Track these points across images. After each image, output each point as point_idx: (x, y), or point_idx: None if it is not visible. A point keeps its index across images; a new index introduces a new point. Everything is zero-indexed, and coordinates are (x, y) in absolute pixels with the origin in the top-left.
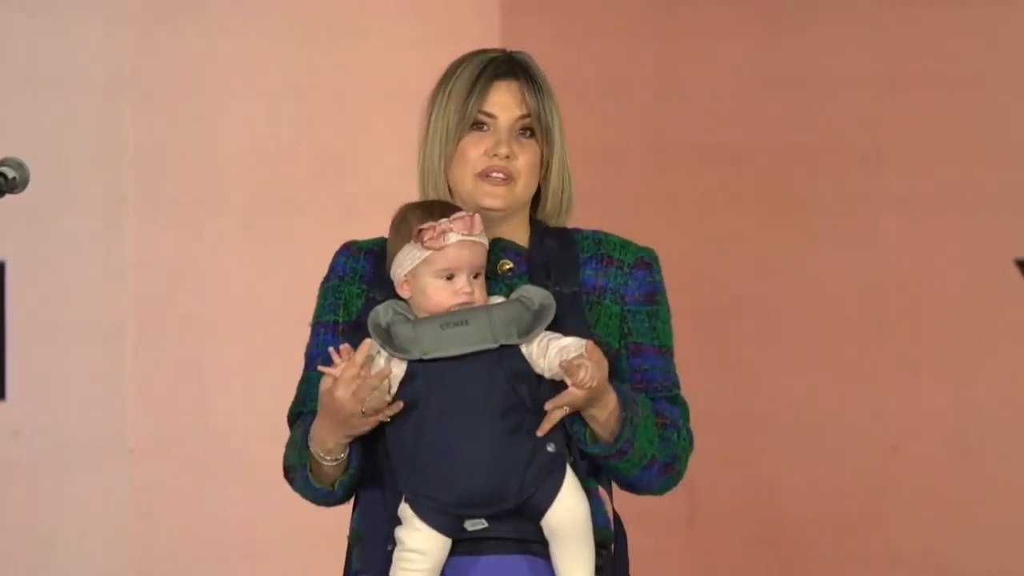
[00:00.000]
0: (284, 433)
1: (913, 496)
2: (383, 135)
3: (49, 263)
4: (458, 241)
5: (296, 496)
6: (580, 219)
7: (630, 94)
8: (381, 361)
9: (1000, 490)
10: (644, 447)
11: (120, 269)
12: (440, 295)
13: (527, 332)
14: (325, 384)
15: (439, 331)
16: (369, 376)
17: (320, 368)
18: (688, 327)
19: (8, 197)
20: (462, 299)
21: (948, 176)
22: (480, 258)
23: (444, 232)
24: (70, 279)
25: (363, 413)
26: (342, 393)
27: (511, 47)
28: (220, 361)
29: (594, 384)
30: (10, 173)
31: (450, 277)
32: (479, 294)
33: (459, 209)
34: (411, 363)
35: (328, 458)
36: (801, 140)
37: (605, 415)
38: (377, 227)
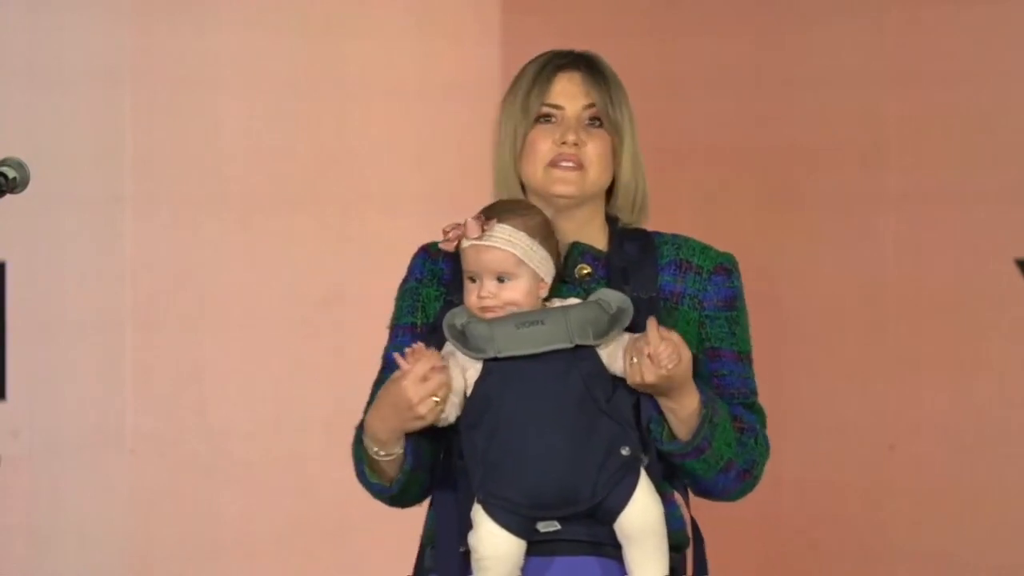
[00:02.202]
0: (282, 431)
1: (911, 494)
2: (382, 134)
3: (49, 263)
4: (468, 244)
5: (294, 495)
6: None
7: (630, 94)
8: (454, 371)
9: (998, 488)
10: (721, 449)
11: (119, 268)
12: (469, 296)
13: (604, 334)
14: (397, 375)
15: (514, 330)
16: (441, 373)
17: (396, 357)
18: None
19: (8, 197)
20: (485, 303)
21: (948, 175)
22: (497, 263)
23: (456, 234)
24: (69, 279)
25: (416, 414)
26: (407, 383)
27: (511, 47)
28: (219, 360)
29: (673, 341)
30: (10, 173)
31: (473, 279)
32: (511, 297)
33: (517, 210)
34: (486, 362)
35: (381, 452)
36: (801, 140)
37: (686, 411)
38: (376, 226)
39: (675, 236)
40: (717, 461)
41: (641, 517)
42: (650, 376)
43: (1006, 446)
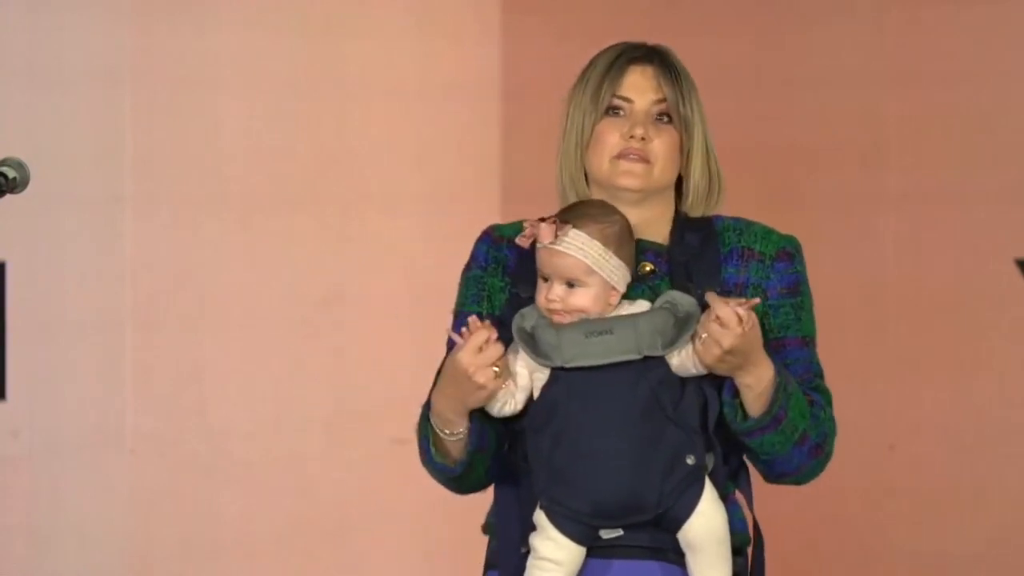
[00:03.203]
0: (282, 430)
1: (911, 494)
2: (382, 134)
3: (49, 263)
4: (541, 246)
5: (294, 494)
6: None
7: None
8: (521, 366)
9: (998, 488)
10: (796, 419)
11: (119, 268)
12: (539, 295)
13: (672, 343)
14: (453, 351)
15: (582, 339)
16: (498, 347)
17: (450, 335)
18: None
19: (8, 197)
20: (552, 306)
21: (948, 175)
22: (567, 270)
23: (532, 233)
24: (69, 279)
25: (476, 384)
26: (463, 355)
27: (511, 47)
28: (219, 360)
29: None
30: (10, 173)
31: (546, 279)
32: (579, 304)
33: (595, 215)
34: (553, 369)
35: (446, 431)
36: (801, 140)
37: (762, 383)
38: (376, 226)
39: (737, 220)
40: (792, 432)
41: (706, 526)
42: (727, 340)
43: (1006, 446)
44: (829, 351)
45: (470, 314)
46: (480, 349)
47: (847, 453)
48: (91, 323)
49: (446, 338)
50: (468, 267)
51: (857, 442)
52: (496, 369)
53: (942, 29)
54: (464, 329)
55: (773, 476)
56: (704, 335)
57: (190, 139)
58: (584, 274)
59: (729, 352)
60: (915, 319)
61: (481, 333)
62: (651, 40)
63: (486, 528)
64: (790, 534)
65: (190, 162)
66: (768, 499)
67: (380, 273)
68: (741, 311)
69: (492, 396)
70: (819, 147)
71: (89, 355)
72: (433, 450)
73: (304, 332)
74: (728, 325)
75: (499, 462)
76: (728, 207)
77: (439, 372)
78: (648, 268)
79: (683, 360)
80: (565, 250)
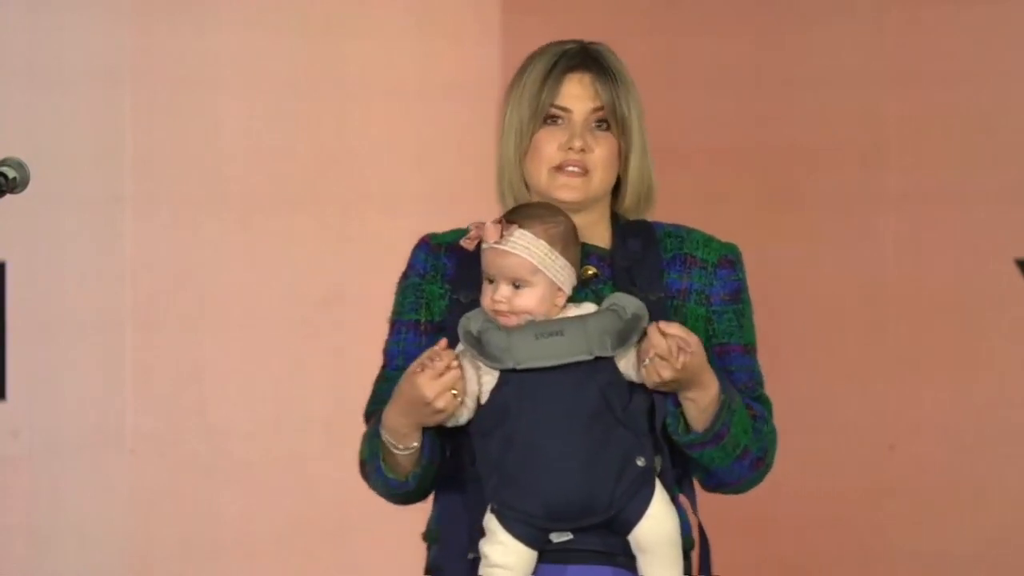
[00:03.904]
0: (282, 431)
1: (911, 494)
2: (382, 134)
3: (49, 263)
4: (487, 247)
5: (294, 494)
6: None
7: None
8: (468, 369)
9: (998, 488)
10: (739, 435)
11: (119, 268)
12: (484, 297)
13: (621, 344)
14: (412, 368)
15: (533, 341)
16: (456, 372)
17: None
18: None
19: (8, 197)
20: (498, 307)
21: (948, 175)
22: (513, 269)
23: (477, 235)
24: (69, 279)
25: (434, 408)
26: (422, 381)
27: (511, 47)
28: (219, 360)
29: (684, 337)
30: (10, 173)
31: (491, 281)
32: (525, 305)
33: (541, 216)
34: (503, 372)
35: (400, 446)
36: (801, 140)
37: (707, 398)
38: (376, 226)
39: (676, 227)
40: (735, 448)
41: (657, 528)
42: (667, 372)
43: (1006, 446)
44: (829, 351)
45: (408, 322)
46: (440, 374)
47: (847, 453)
48: (91, 323)
49: (383, 348)
50: (405, 275)
51: (857, 442)
52: (455, 392)
53: (942, 29)
54: (430, 349)
55: (712, 486)
56: (647, 361)
57: (190, 139)
58: (530, 273)
59: (671, 381)
60: (915, 319)
61: (444, 360)
62: (651, 40)
63: (427, 535)
64: (790, 534)
65: (190, 162)
66: (768, 499)
67: (380, 273)
68: (676, 345)
69: (450, 416)
70: (819, 147)
71: (89, 355)
72: (384, 466)
73: (304, 332)
74: (668, 359)
75: (441, 471)
76: (728, 206)
77: (377, 381)
78: (591, 272)
79: (628, 366)
80: (511, 249)
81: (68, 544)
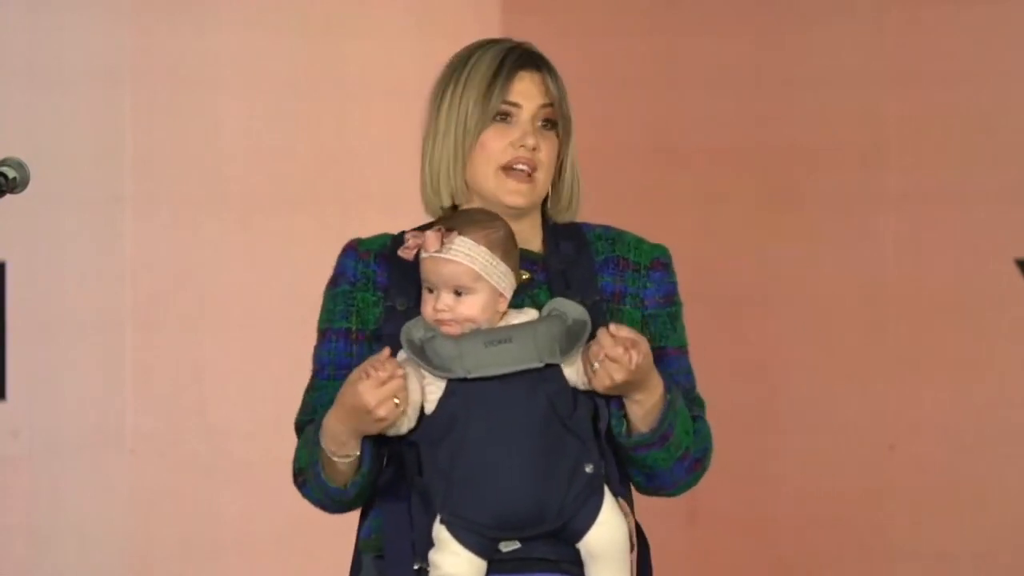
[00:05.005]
0: (282, 431)
1: (911, 494)
2: (382, 134)
3: (49, 263)
4: (427, 256)
5: (294, 494)
6: (581, 218)
7: (630, 93)
8: (412, 378)
9: (998, 488)
10: (681, 437)
11: (119, 268)
12: (425, 307)
13: (568, 350)
14: (354, 376)
15: (483, 349)
16: (399, 380)
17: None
18: (687, 326)
19: (8, 197)
20: (441, 316)
21: (948, 175)
22: (455, 277)
23: (416, 244)
24: (69, 279)
25: (376, 417)
26: (364, 389)
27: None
28: (219, 360)
29: (629, 337)
30: (10, 173)
31: (432, 290)
32: (468, 313)
33: (480, 221)
34: (451, 381)
35: (339, 454)
36: (801, 140)
37: (653, 399)
38: (376, 225)
39: (606, 229)
40: (677, 449)
41: (608, 536)
42: (619, 375)
43: (1006, 446)
44: (829, 351)
45: (339, 330)
46: (383, 383)
47: (847, 453)
48: (91, 323)
49: (313, 356)
50: (334, 282)
51: (857, 442)
52: (397, 401)
53: (942, 29)
54: (374, 358)
55: (651, 488)
56: (595, 365)
57: (190, 139)
58: (472, 280)
59: (622, 384)
60: (915, 319)
61: (387, 368)
62: (652, 40)
63: (364, 546)
64: (790, 534)
65: (190, 162)
66: (768, 499)
67: None
68: (627, 347)
69: (391, 425)
70: (819, 147)
71: (89, 355)
72: (324, 474)
73: (304, 332)
74: (620, 362)
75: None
76: (728, 206)
77: (308, 391)
78: (525, 276)
79: (574, 372)
80: (452, 257)
81: (68, 544)
